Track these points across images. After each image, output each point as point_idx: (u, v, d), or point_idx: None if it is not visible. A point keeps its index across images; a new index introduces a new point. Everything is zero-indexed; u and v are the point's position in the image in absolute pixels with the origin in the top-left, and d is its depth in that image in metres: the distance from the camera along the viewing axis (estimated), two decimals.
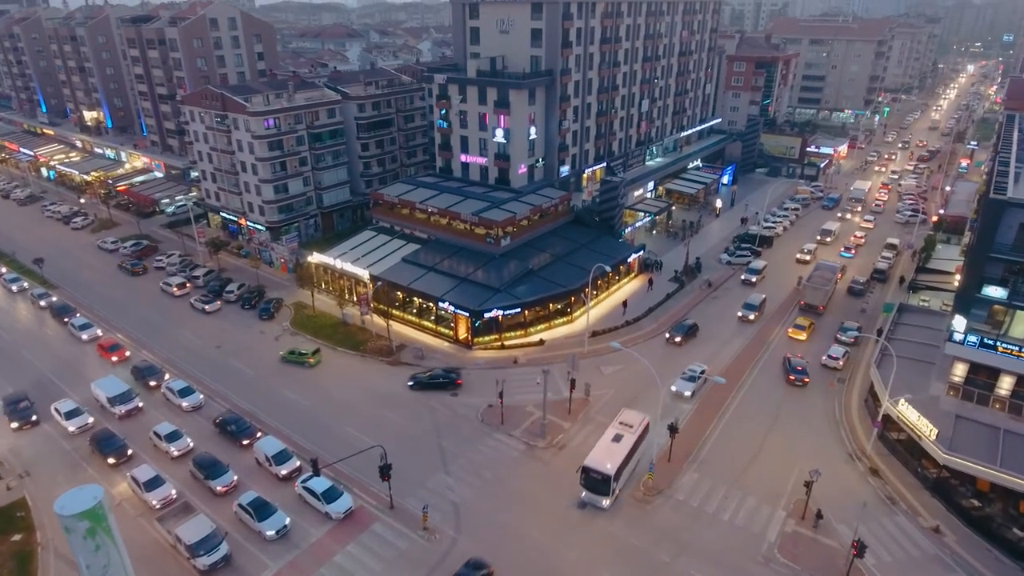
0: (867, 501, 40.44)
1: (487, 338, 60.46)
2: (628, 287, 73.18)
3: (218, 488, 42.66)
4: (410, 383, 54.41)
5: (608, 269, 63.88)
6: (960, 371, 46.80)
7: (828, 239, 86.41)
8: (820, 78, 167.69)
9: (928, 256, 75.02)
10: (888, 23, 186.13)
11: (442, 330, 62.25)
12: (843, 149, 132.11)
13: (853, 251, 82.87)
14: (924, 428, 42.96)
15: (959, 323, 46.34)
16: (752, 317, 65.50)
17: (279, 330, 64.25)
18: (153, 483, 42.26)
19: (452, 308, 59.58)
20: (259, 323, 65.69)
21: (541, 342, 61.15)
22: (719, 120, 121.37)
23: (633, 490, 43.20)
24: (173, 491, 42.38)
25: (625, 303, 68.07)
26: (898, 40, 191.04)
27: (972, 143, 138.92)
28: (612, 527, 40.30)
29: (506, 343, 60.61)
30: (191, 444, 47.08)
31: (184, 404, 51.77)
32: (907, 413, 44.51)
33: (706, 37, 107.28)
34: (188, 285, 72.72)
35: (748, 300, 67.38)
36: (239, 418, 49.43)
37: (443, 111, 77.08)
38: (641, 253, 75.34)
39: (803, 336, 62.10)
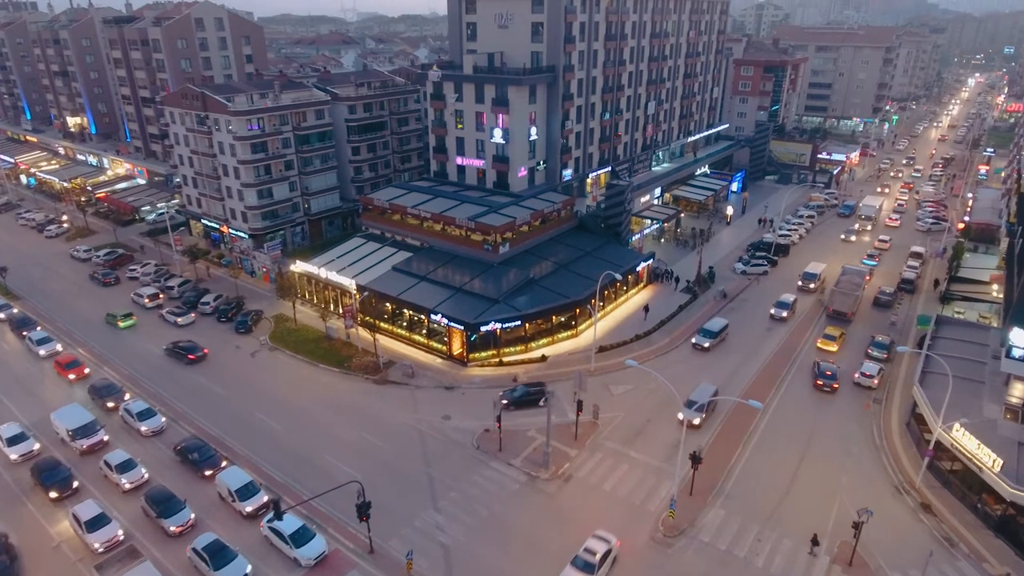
0: (933, 550, 34.48)
1: (484, 354, 54.97)
2: (646, 293, 68.27)
3: (172, 528, 36.93)
4: (164, 348, 57.52)
5: (618, 277, 58.62)
6: (1019, 391, 41.48)
7: (812, 284, 68.51)
8: (827, 85, 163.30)
9: (957, 265, 69.89)
10: (895, 30, 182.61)
11: (434, 345, 56.79)
12: (855, 156, 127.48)
13: (876, 259, 77.60)
14: (986, 458, 37.32)
15: (1018, 336, 40.96)
16: (697, 421, 45.74)
17: (256, 345, 58.80)
18: (96, 522, 36.48)
19: (445, 321, 54.15)
20: (235, 337, 60.26)
21: (543, 358, 55.64)
22: (726, 126, 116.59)
23: (652, 530, 37.52)
24: (120, 532, 36.68)
25: (647, 308, 62.85)
26: (904, 48, 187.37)
27: (989, 150, 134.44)
28: (629, 575, 34.57)
29: (505, 359, 55.08)
30: (145, 475, 41.33)
31: (143, 428, 46.10)
32: (964, 440, 38.85)
33: (713, 39, 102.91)
34: (161, 296, 67.37)
35: (693, 396, 47.32)
36: (203, 445, 43.73)
37: (439, 111, 72.33)
38: (650, 262, 70.06)
39: (834, 347, 56.64)
